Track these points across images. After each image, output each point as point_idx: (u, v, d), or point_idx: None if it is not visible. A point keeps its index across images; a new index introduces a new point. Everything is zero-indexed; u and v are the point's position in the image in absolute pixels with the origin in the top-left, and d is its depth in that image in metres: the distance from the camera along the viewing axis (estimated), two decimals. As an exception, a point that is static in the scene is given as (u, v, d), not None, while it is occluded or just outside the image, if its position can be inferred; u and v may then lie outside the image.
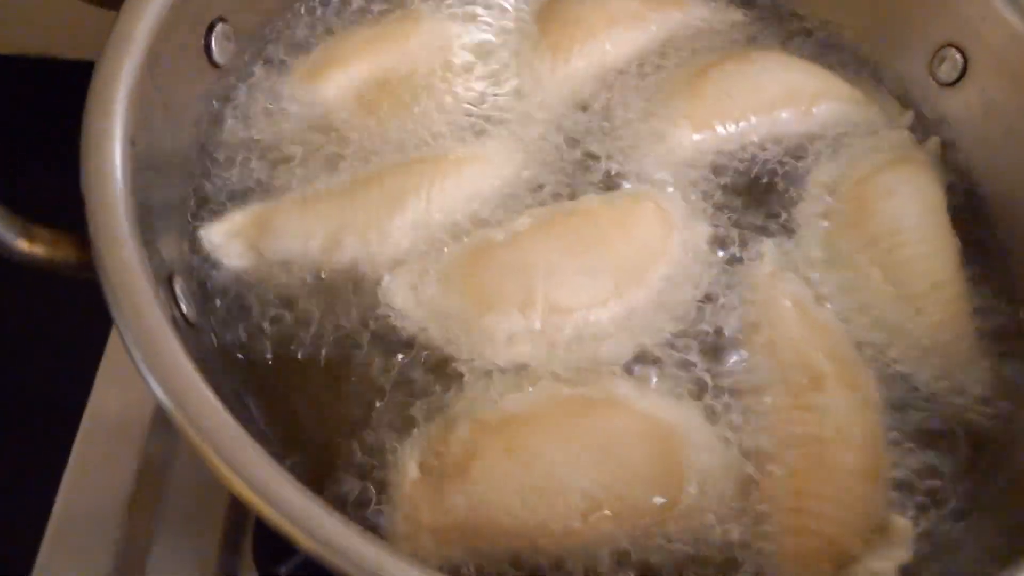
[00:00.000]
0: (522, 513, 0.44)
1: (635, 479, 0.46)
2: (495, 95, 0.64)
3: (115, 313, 0.39)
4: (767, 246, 0.58)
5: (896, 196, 0.59)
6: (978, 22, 0.62)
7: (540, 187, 0.59)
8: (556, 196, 0.58)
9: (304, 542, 0.36)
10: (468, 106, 0.63)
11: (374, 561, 0.36)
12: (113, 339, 0.69)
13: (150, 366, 0.37)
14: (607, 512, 0.45)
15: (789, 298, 0.55)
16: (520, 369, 0.51)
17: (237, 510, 0.61)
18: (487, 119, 0.62)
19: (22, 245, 0.40)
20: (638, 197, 0.58)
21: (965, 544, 0.47)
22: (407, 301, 0.52)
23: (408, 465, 0.46)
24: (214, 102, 0.58)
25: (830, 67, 0.68)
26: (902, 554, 0.46)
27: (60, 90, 0.53)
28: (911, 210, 0.59)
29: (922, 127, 0.66)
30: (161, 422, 0.64)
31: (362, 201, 0.55)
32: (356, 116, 0.61)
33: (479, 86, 0.64)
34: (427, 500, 0.45)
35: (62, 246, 0.41)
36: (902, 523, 0.47)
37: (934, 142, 0.65)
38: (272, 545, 0.58)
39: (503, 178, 0.58)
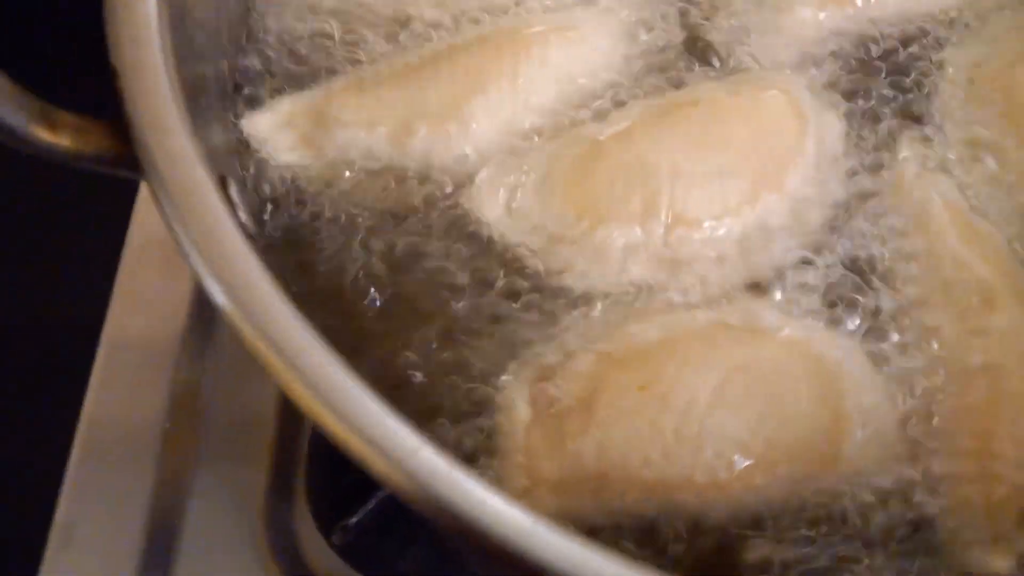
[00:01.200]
0: (661, 461, 0.37)
1: (792, 422, 0.39)
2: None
3: (172, 218, 0.30)
4: (907, 143, 0.49)
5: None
6: None
7: (645, 70, 0.50)
8: (665, 81, 0.50)
9: (389, 472, 0.29)
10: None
11: (484, 503, 0.28)
12: (127, 253, 0.60)
13: (224, 283, 0.29)
14: (760, 462, 0.38)
15: (942, 203, 0.47)
16: (642, 292, 0.43)
17: (285, 451, 0.54)
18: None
19: (42, 133, 0.31)
20: (764, 84, 0.50)
21: None
22: (500, 211, 0.45)
23: (518, 405, 0.39)
24: None
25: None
26: None
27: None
28: None
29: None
30: (192, 346, 0.57)
31: (433, 83, 0.47)
32: None
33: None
34: (544, 447, 0.38)
35: (92, 135, 0.32)
36: None
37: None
38: (331, 494, 0.52)
39: (602, 57, 0.50)
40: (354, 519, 0.48)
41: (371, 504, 0.48)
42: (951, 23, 0.54)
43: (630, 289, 0.43)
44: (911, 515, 0.40)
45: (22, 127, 0.31)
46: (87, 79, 0.35)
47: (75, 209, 0.68)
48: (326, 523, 0.51)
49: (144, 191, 0.61)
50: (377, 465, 0.29)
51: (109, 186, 0.58)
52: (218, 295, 0.30)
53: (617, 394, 0.38)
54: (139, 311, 0.57)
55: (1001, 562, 0.38)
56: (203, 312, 0.58)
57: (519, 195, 0.45)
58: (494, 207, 0.44)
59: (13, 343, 0.66)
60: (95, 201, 0.61)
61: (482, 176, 0.45)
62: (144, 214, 0.61)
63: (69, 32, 0.37)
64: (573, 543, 0.28)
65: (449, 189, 0.45)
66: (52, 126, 0.31)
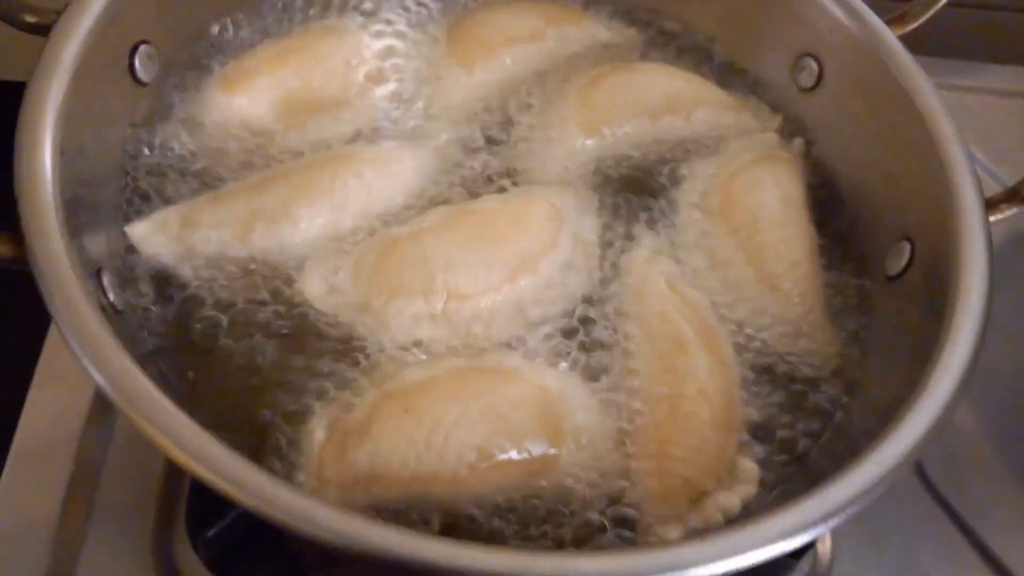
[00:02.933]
0: (416, 464, 0.51)
1: (519, 434, 0.52)
2: (402, 103, 0.71)
3: (47, 299, 0.44)
4: (643, 234, 0.65)
5: (758, 189, 0.67)
6: (826, 33, 0.70)
7: (443, 187, 0.66)
8: (459, 195, 0.65)
9: (236, 495, 0.41)
10: (377, 113, 0.70)
11: (293, 505, 0.41)
12: (51, 337, 0.73)
13: (82, 347, 0.43)
14: (492, 463, 0.51)
15: (661, 277, 0.62)
16: (422, 348, 0.57)
17: (169, 491, 0.66)
18: (394, 124, 0.69)
19: (-38, 242, 0.46)
20: (532, 196, 0.65)
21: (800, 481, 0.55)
22: (320, 292, 0.59)
23: (315, 431, 0.53)
24: (139, 116, 0.64)
25: (708, 78, 0.76)
26: (749, 490, 0.53)
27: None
28: (771, 201, 0.66)
29: (788, 129, 0.75)
30: (96, 416, 0.69)
31: (270, 191, 0.61)
32: (268, 124, 0.67)
33: (387, 94, 0.71)
34: (331, 458, 0.51)
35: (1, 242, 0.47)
36: (749, 465, 0.54)
37: (798, 143, 0.73)
38: (201, 513, 0.63)
39: (408, 177, 0.65)
40: (211, 532, 0.60)
41: (227, 520, 0.60)
42: (693, 146, 0.72)
43: (414, 346, 0.57)
44: (615, 502, 0.53)
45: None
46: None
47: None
48: (196, 541, 0.63)
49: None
50: (216, 484, 0.41)
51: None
52: (80, 357, 0.43)
53: (386, 417, 0.52)
54: (55, 385, 0.70)
55: (674, 533, 0.51)
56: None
57: (336, 278, 0.59)
58: (317, 286, 0.59)
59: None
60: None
61: (309, 263, 0.60)
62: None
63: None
64: (336, 514, 0.41)
65: (281, 273, 0.59)
66: (-33, 235, 0.46)
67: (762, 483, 0.55)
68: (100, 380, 0.43)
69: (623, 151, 0.70)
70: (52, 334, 0.72)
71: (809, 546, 0.62)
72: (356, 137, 0.68)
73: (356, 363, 0.57)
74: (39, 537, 0.62)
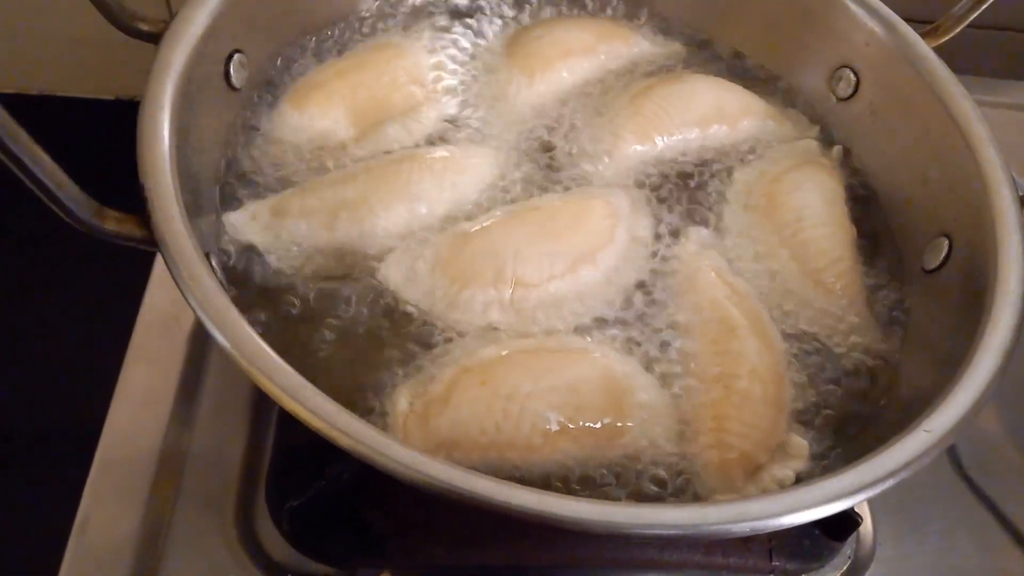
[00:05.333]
0: (493, 431, 0.55)
1: (587, 407, 0.57)
2: (467, 109, 0.76)
3: (175, 274, 0.49)
4: (692, 231, 0.70)
5: (801, 190, 0.72)
6: (862, 46, 0.75)
7: (508, 185, 0.71)
8: (522, 193, 0.70)
9: (340, 439, 0.45)
10: (442, 120, 0.75)
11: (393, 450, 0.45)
12: (140, 322, 0.78)
13: (209, 316, 0.48)
14: (563, 432, 0.56)
15: (710, 268, 0.67)
16: (493, 331, 0.62)
17: (249, 471, 0.70)
18: (459, 129, 0.74)
19: (96, 222, 0.51)
20: (591, 195, 0.70)
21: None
22: (400, 279, 0.64)
23: (400, 401, 0.57)
24: (234, 117, 0.70)
25: (752, 90, 0.81)
26: (800, 464, 0.57)
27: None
28: (813, 201, 0.71)
29: (827, 137, 0.80)
30: (184, 392, 0.74)
31: (352, 185, 0.66)
32: (339, 134, 0.71)
33: (451, 102, 0.76)
34: (415, 424, 0.56)
35: (127, 224, 0.52)
36: (799, 441, 0.58)
37: (837, 150, 0.78)
38: (280, 491, 0.68)
39: (478, 174, 0.70)
40: (296, 503, 0.64)
41: (310, 493, 0.64)
42: (738, 152, 0.77)
43: (486, 329, 0.62)
44: (678, 474, 0.58)
45: (86, 218, 0.50)
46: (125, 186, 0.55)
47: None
48: (278, 517, 0.67)
49: (152, 285, 0.80)
50: (332, 435, 0.45)
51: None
52: (202, 317, 0.48)
53: (465, 388, 0.56)
54: (145, 366, 0.75)
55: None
56: (191, 372, 0.76)
57: (415, 267, 0.64)
58: (397, 274, 0.64)
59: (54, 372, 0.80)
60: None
61: (390, 255, 0.64)
62: (151, 301, 0.80)
63: (114, 158, 0.57)
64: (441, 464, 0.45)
65: (364, 260, 0.64)
66: (102, 218, 0.51)
67: (812, 458, 0.59)
68: (225, 344, 0.48)
69: (672, 156, 0.75)
70: (141, 318, 0.77)
71: (853, 528, 0.65)
72: (424, 144, 0.73)
73: (432, 345, 0.62)
74: (129, 519, 0.67)
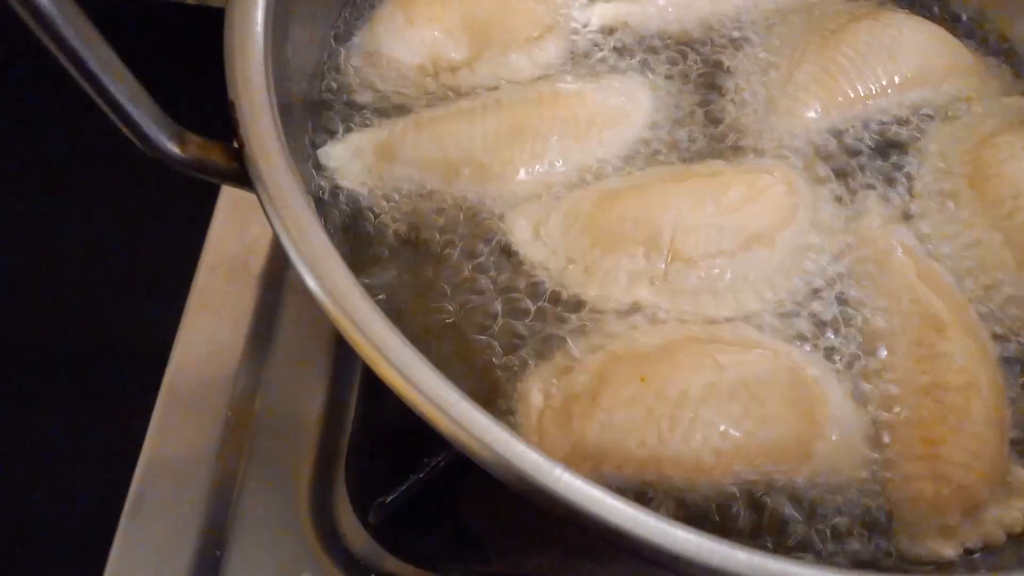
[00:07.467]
0: (656, 443, 0.44)
1: (773, 421, 0.45)
2: (600, 35, 0.63)
3: (276, 224, 0.38)
4: (875, 201, 0.57)
5: (1018, 160, 0.58)
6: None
7: (665, 143, 0.58)
8: (683, 153, 0.57)
9: (471, 444, 0.35)
10: (570, 49, 0.61)
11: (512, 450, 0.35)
12: (201, 268, 0.68)
13: (311, 267, 0.37)
14: (741, 451, 0.44)
15: (901, 246, 0.54)
16: (643, 311, 0.50)
17: (328, 446, 0.61)
18: (590, 60, 0.61)
19: (174, 148, 0.40)
20: (768, 167, 0.56)
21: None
22: (528, 237, 0.52)
23: (532, 392, 0.46)
24: (332, 23, 0.58)
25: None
26: None
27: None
28: None
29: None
30: (252, 352, 0.64)
31: (480, 130, 0.54)
32: (452, 55, 0.59)
33: (581, 27, 0.63)
34: (555, 425, 0.45)
35: (213, 152, 0.40)
36: None
37: (1051, 108, 0.63)
38: (368, 481, 0.58)
39: (630, 126, 0.57)
40: (389, 498, 0.54)
41: (404, 486, 0.54)
42: (936, 110, 0.62)
43: (632, 307, 0.50)
44: (868, 509, 0.46)
45: (162, 143, 0.39)
46: (207, 108, 0.44)
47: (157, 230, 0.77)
48: (362, 507, 0.57)
49: (218, 216, 0.70)
50: (437, 419, 0.36)
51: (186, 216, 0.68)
52: (308, 279, 0.37)
53: (620, 384, 0.45)
54: (210, 316, 0.65)
55: (949, 550, 0.44)
56: (262, 323, 0.66)
57: (546, 225, 0.52)
58: (524, 232, 0.52)
59: (104, 340, 0.73)
60: (174, 224, 0.71)
61: (518, 208, 0.53)
62: (216, 240, 0.70)
63: (198, 70, 0.46)
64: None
65: (486, 216, 0.53)
66: (182, 143, 0.40)
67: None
68: (341, 317, 0.37)
69: (863, 122, 0.61)
70: (204, 260, 0.67)
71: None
72: (548, 75, 0.60)
73: (564, 320, 0.50)
74: (197, 478, 0.59)
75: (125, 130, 0.38)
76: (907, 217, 0.57)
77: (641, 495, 0.44)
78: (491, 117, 0.55)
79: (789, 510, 0.45)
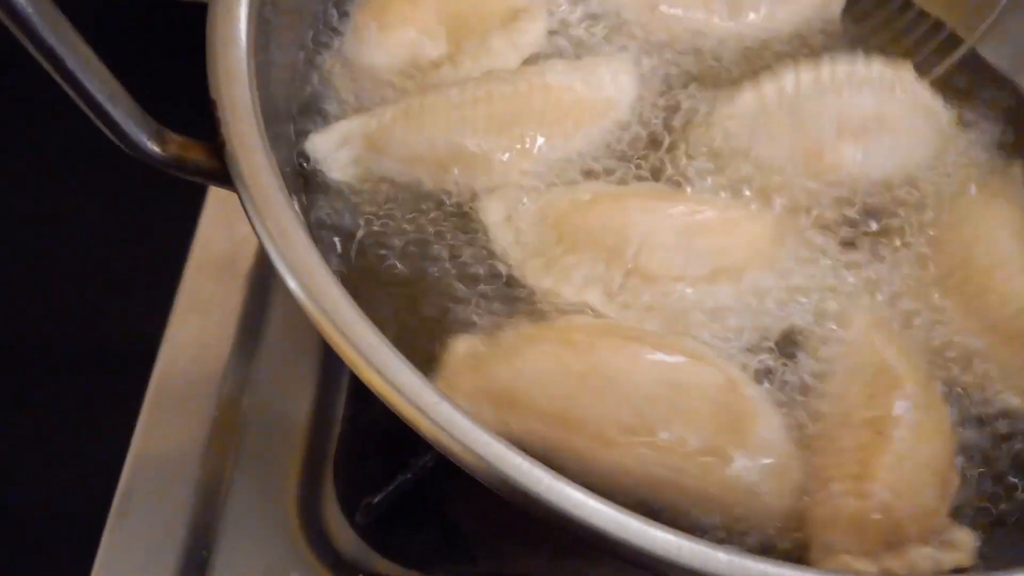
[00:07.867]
0: (564, 400, 0.44)
1: (694, 416, 0.45)
2: (586, 20, 0.63)
3: (257, 225, 0.38)
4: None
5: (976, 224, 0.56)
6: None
7: (648, 137, 0.57)
8: (669, 148, 0.57)
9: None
10: (555, 36, 0.61)
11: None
12: (189, 266, 0.68)
13: (292, 268, 0.38)
14: (652, 439, 0.44)
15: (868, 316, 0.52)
16: (583, 314, 0.50)
17: (316, 446, 0.61)
18: (576, 46, 0.61)
19: (154, 148, 0.40)
20: (756, 210, 0.56)
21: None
22: (498, 219, 0.52)
23: (458, 344, 0.47)
24: (319, 28, 0.59)
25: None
26: (961, 559, 0.44)
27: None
28: (997, 236, 0.55)
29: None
30: (240, 351, 0.64)
31: (471, 126, 0.54)
32: (430, 52, 0.59)
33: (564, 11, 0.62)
34: (467, 367, 0.45)
35: (193, 151, 0.40)
36: (963, 533, 0.45)
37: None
38: (357, 480, 0.58)
39: (615, 117, 0.57)
40: (377, 498, 0.55)
41: (392, 486, 0.55)
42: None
43: (578, 308, 0.50)
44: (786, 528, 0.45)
45: (142, 142, 0.39)
46: (189, 105, 0.43)
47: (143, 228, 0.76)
48: (350, 507, 0.57)
49: (206, 214, 0.69)
50: (417, 420, 0.36)
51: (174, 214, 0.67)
52: (288, 279, 0.37)
53: (543, 343, 0.46)
54: (197, 316, 0.65)
55: (862, 566, 0.43)
56: (250, 323, 0.66)
57: (518, 211, 0.53)
58: (497, 212, 0.52)
59: (92, 340, 0.73)
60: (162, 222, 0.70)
61: (493, 195, 0.53)
62: (204, 239, 0.69)
63: (179, 68, 0.46)
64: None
65: (464, 201, 0.53)
66: (163, 142, 0.40)
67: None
68: (327, 326, 0.37)
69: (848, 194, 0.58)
70: (191, 260, 0.67)
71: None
72: (536, 62, 0.60)
73: (513, 305, 0.50)
74: (185, 478, 0.59)
75: (105, 129, 0.39)
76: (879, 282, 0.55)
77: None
78: (481, 114, 0.54)
79: (691, 518, 0.44)
